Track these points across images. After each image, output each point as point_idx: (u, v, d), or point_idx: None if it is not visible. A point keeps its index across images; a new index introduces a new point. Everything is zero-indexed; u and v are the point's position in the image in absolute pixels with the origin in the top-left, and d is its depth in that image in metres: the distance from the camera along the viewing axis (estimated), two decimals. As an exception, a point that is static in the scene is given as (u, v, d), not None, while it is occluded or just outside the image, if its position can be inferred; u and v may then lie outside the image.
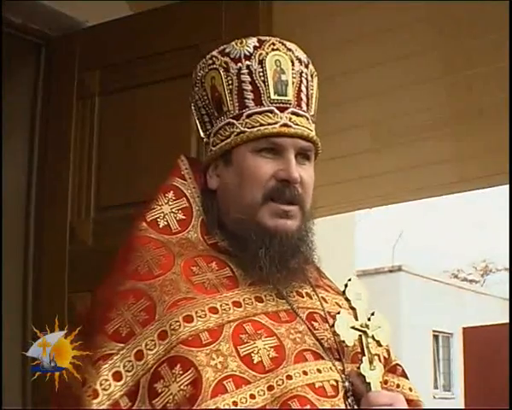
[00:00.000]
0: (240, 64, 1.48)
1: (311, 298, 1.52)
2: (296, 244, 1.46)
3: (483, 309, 17.78)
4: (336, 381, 1.38)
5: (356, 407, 1.38)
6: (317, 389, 1.34)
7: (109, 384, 1.28)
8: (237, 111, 1.47)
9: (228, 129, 1.48)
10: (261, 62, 1.47)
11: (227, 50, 1.50)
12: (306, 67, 1.53)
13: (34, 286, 2.80)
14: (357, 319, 1.42)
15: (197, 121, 1.57)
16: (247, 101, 1.47)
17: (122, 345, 1.31)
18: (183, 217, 1.52)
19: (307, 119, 1.50)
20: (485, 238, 36.98)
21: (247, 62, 1.47)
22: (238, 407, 1.27)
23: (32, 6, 2.79)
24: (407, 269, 18.14)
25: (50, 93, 2.89)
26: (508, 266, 21.84)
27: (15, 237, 2.86)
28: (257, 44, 1.49)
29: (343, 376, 1.40)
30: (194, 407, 1.24)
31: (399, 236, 22.37)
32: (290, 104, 1.47)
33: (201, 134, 1.57)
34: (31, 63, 2.97)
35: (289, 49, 1.51)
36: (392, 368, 1.59)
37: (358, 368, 1.39)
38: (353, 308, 1.43)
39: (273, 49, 1.49)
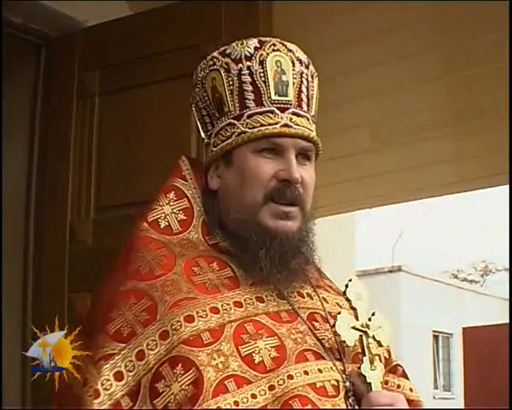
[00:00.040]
0: (240, 65, 1.48)
1: (311, 298, 1.52)
2: (297, 245, 1.46)
3: (483, 309, 17.78)
4: (337, 381, 1.39)
5: (357, 407, 1.38)
6: (318, 389, 1.35)
7: (110, 384, 1.28)
8: (238, 111, 1.48)
9: (229, 129, 1.48)
10: (262, 63, 1.48)
11: (228, 51, 1.51)
12: (307, 67, 1.53)
13: (34, 286, 2.80)
14: (357, 319, 1.42)
15: (198, 122, 1.58)
16: (247, 101, 1.47)
17: (123, 345, 1.31)
18: (184, 217, 1.52)
19: (308, 119, 1.50)
20: (485, 238, 37.00)
21: (248, 63, 1.48)
22: (239, 407, 1.27)
23: (32, 6, 2.79)
24: (407, 269, 18.14)
25: (50, 93, 2.89)
26: (508, 267, 21.86)
27: (15, 237, 2.86)
28: (257, 45, 1.50)
29: (344, 376, 1.40)
30: (196, 407, 1.25)
31: (399, 236, 22.38)
32: (291, 105, 1.47)
33: (202, 135, 1.57)
34: (31, 63, 2.97)
35: (290, 50, 1.51)
36: (392, 368, 1.60)
37: (359, 368, 1.40)
38: (354, 309, 1.43)
39: (274, 50, 1.49)
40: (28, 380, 2.64)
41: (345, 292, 1.44)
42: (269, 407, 1.29)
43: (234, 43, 1.51)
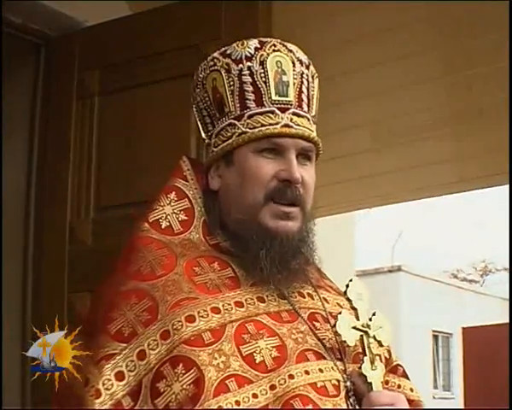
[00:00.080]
0: (241, 65, 1.48)
1: (312, 298, 1.52)
2: (297, 245, 1.46)
3: (483, 309, 17.78)
4: (338, 381, 1.39)
5: (357, 406, 1.38)
6: (319, 389, 1.35)
7: (112, 384, 1.29)
8: (239, 112, 1.48)
9: (229, 130, 1.49)
10: (262, 63, 1.48)
11: (228, 52, 1.51)
12: (307, 68, 1.54)
13: (34, 286, 2.79)
14: (358, 319, 1.43)
15: (198, 122, 1.58)
16: (248, 102, 1.47)
17: (124, 345, 1.32)
18: (185, 218, 1.52)
19: (308, 119, 1.50)
20: (484, 238, 37.00)
21: (249, 63, 1.48)
22: (241, 407, 1.27)
23: (32, 6, 2.79)
24: (407, 269, 18.14)
25: (50, 93, 2.89)
26: (507, 266, 21.87)
27: (15, 237, 2.86)
28: (258, 46, 1.50)
29: (345, 376, 1.41)
30: (197, 407, 1.25)
31: (399, 236, 22.39)
32: (291, 105, 1.48)
33: (203, 135, 1.57)
34: (30, 63, 2.97)
35: (290, 51, 1.52)
36: (393, 369, 1.60)
37: (360, 368, 1.40)
38: (355, 309, 1.43)
39: (274, 51, 1.50)
40: (28, 380, 2.64)
41: (345, 292, 1.44)
42: (270, 407, 1.30)
43: (234, 44, 1.51)
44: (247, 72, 1.48)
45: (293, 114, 1.47)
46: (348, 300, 1.44)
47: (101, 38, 2.78)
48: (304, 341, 1.40)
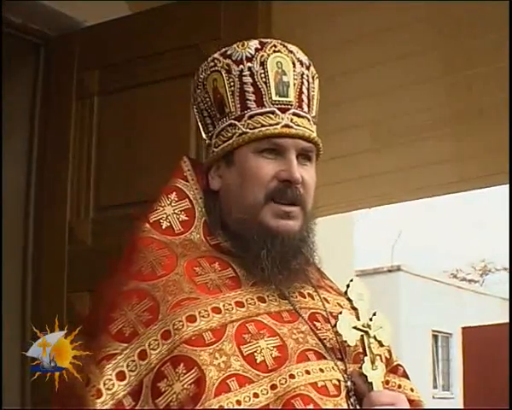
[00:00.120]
0: (241, 66, 1.49)
1: (313, 299, 1.52)
2: (297, 245, 1.47)
3: (482, 309, 17.78)
4: (338, 380, 1.39)
5: (358, 406, 1.38)
6: (320, 389, 1.35)
7: (113, 384, 1.29)
8: (239, 112, 1.48)
9: (230, 130, 1.49)
10: (263, 64, 1.48)
11: (229, 52, 1.51)
12: (307, 68, 1.54)
13: (33, 286, 2.80)
14: (358, 319, 1.43)
15: (199, 123, 1.58)
16: (248, 102, 1.47)
17: (125, 345, 1.32)
18: (186, 218, 1.52)
19: (308, 120, 1.50)
20: (484, 238, 36.99)
21: (249, 64, 1.48)
22: (242, 407, 1.27)
23: (32, 6, 2.79)
24: (406, 269, 18.14)
25: (50, 93, 2.89)
26: (507, 266, 21.88)
27: (15, 236, 2.86)
28: (258, 46, 1.50)
29: (345, 375, 1.41)
30: (198, 406, 1.25)
31: (398, 236, 22.36)
32: (291, 105, 1.48)
33: (203, 136, 1.58)
34: (30, 63, 2.97)
35: (291, 51, 1.52)
36: (393, 369, 1.60)
37: (360, 368, 1.40)
38: (355, 309, 1.44)
39: (274, 51, 1.50)
40: (28, 380, 2.64)
41: (346, 292, 1.44)
42: (271, 406, 1.30)
43: (235, 45, 1.52)
44: (248, 72, 1.48)
45: (294, 114, 1.47)
46: (349, 300, 1.44)
47: (100, 38, 2.78)
48: (304, 341, 1.40)
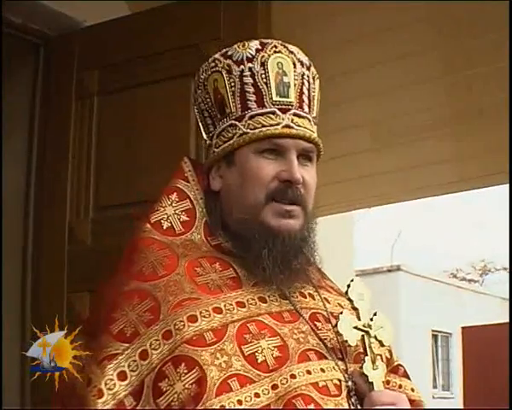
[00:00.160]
0: (242, 66, 1.49)
1: (313, 299, 1.52)
2: (299, 245, 1.47)
3: (482, 309, 17.79)
4: (339, 380, 1.39)
5: (359, 406, 1.39)
6: (321, 388, 1.35)
7: (114, 384, 1.29)
8: (240, 113, 1.48)
9: (230, 130, 1.49)
10: (263, 65, 1.48)
11: (229, 53, 1.52)
12: (308, 69, 1.54)
13: (33, 286, 2.79)
14: (359, 319, 1.43)
15: (200, 123, 1.59)
16: (249, 102, 1.48)
17: (127, 345, 1.32)
18: (187, 218, 1.53)
19: (309, 120, 1.51)
20: (484, 238, 37.02)
21: (250, 65, 1.48)
22: (243, 406, 1.27)
23: (32, 6, 2.79)
24: (406, 269, 18.14)
25: (49, 93, 2.89)
26: (507, 266, 21.88)
27: (14, 236, 2.86)
28: (259, 47, 1.50)
29: (346, 375, 1.41)
30: (199, 406, 1.26)
31: (398, 235, 22.35)
32: (292, 106, 1.48)
33: (204, 136, 1.58)
34: (30, 63, 2.97)
35: (291, 52, 1.52)
36: (394, 368, 1.60)
37: (361, 368, 1.40)
38: (356, 309, 1.44)
39: (275, 52, 1.50)
40: (28, 380, 2.64)
41: (347, 292, 1.44)
42: (272, 406, 1.30)
43: (235, 45, 1.52)
44: (248, 73, 1.48)
45: (294, 114, 1.47)
46: (349, 300, 1.44)
47: (100, 38, 2.78)
48: (305, 341, 1.41)
